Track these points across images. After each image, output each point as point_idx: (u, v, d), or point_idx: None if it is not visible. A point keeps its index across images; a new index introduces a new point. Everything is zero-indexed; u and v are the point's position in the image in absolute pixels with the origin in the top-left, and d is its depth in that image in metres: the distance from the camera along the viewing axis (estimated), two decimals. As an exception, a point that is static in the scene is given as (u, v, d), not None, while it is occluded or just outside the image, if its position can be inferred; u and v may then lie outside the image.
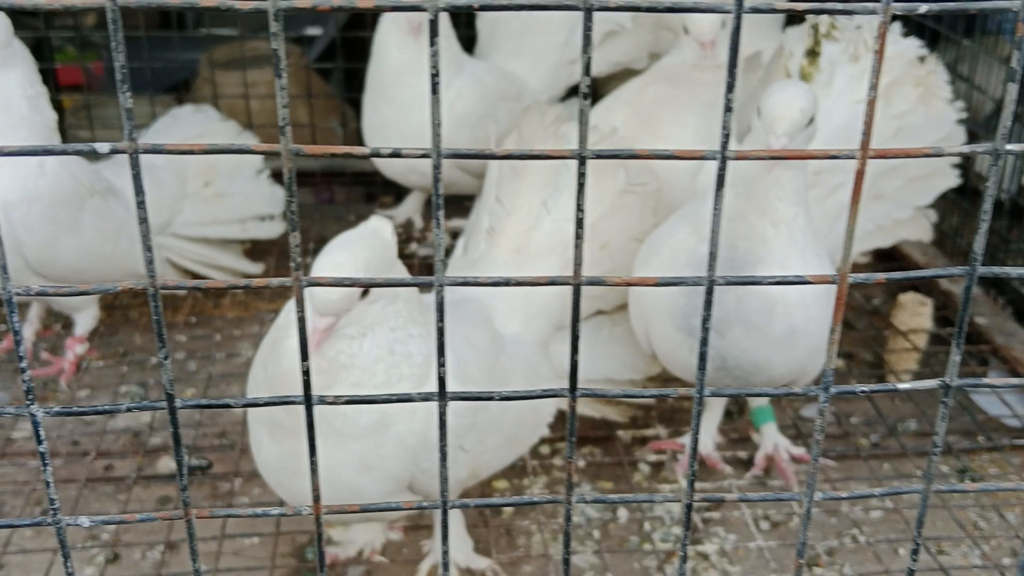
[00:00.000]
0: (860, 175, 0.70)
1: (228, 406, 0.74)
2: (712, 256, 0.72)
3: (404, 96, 2.47)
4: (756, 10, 0.67)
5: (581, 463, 2.02)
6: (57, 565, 1.74)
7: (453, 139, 2.44)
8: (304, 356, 0.73)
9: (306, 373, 0.74)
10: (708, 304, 0.73)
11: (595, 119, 2.23)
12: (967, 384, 0.83)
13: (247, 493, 1.93)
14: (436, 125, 0.67)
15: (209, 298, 2.52)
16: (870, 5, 0.68)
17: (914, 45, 2.11)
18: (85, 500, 1.91)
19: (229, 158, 2.44)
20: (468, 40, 2.81)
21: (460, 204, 2.78)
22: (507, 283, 0.75)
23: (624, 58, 2.77)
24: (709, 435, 2.06)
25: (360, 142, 2.64)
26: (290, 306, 1.54)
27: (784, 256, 1.66)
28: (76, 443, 2.05)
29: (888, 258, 2.61)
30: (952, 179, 2.16)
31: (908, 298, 2.44)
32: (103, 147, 0.66)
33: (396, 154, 0.68)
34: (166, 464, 2.00)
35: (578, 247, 0.70)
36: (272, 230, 2.51)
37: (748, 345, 1.73)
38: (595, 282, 0.74)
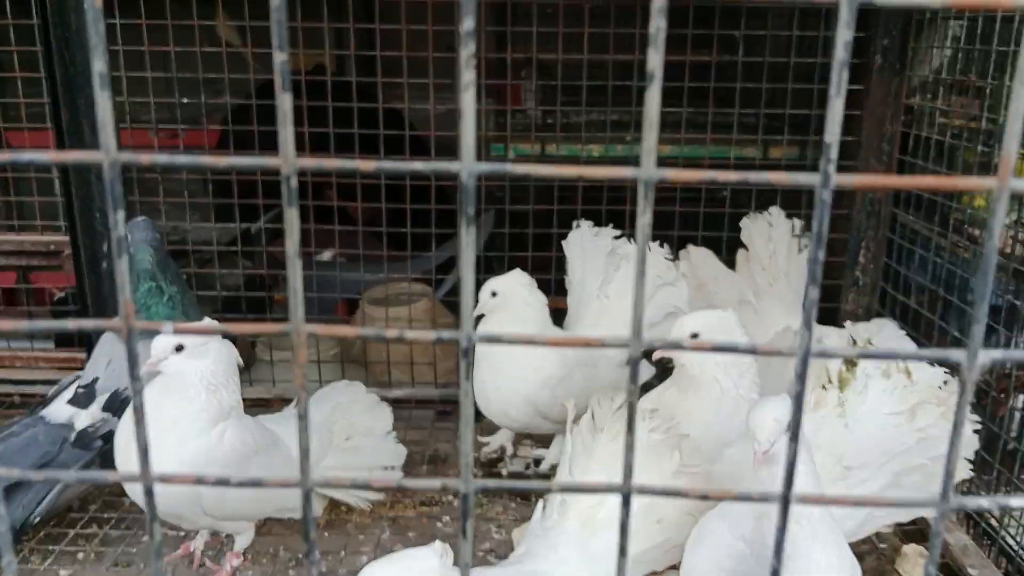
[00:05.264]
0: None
1: None
2: None
3: (496, 356, 2.40)
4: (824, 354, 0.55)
5: None
6: None
7: (537, 396, 2.32)
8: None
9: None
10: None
11: (646, 404, 2.05)
12: None
13: None
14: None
15: (340, 510, 2.37)
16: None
17: (939, 372, 1.91)
18: None
19: (365, 419, 2.37)
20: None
21: (540, 437, 2.64)
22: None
23: (674, 305, 2.55)
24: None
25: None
26: None
27: (807, 548, 1.47)
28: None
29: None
30: (965, 472, 1.96)
31: (911, 549, 2.16)
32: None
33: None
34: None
35: (620, 569, 0.55)
36: (393, 477, 2.38)
37: None
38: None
